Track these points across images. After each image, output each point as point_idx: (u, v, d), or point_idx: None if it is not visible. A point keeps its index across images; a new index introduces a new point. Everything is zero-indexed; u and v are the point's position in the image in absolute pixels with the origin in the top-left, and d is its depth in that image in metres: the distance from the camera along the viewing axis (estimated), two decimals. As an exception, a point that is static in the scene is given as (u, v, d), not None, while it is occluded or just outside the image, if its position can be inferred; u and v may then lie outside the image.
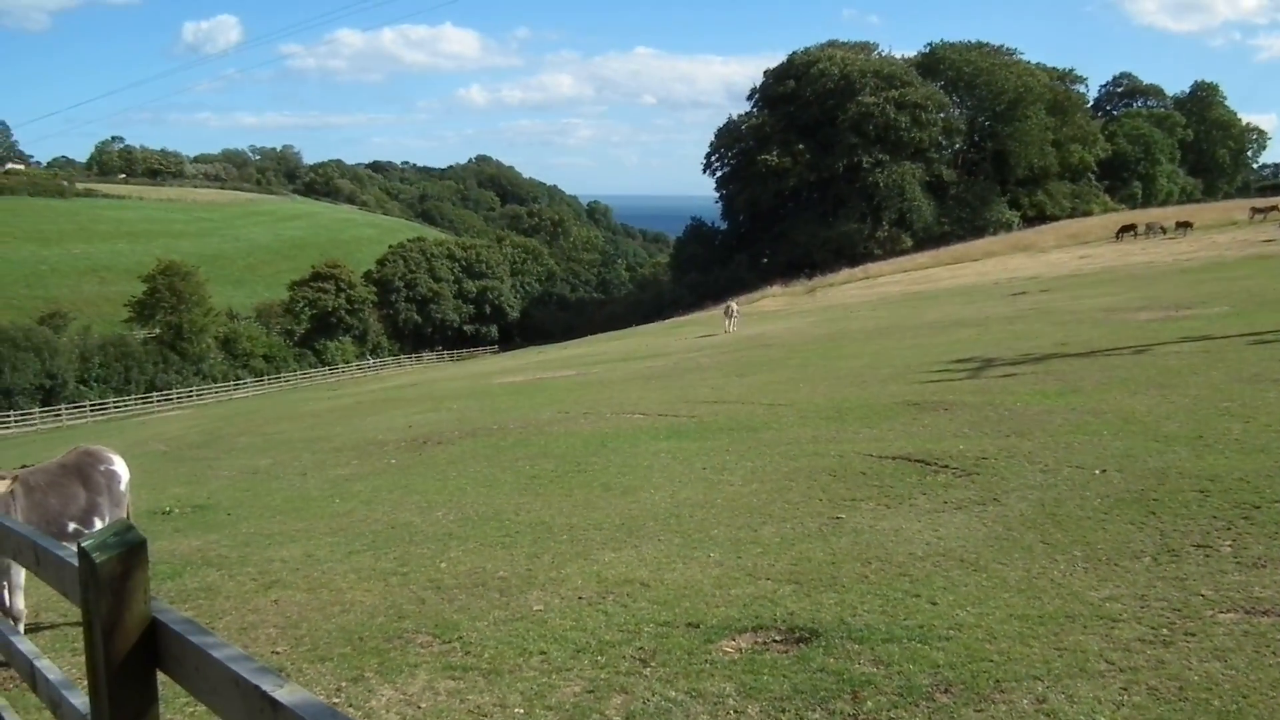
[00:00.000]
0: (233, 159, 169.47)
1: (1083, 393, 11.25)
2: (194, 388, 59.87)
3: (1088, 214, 79.25)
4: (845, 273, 63.42)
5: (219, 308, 69.10)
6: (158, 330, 62.96)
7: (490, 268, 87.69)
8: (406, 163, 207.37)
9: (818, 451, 9.65)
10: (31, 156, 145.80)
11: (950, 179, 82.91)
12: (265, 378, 65.15)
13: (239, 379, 63.82)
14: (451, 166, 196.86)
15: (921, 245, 73.52)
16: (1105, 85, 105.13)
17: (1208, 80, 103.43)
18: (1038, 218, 79.22)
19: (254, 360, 67.02)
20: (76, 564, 2.35)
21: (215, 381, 62.15)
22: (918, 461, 8.64)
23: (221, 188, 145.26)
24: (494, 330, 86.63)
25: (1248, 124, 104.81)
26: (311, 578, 6.95)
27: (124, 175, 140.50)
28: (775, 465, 9.24)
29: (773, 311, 47.35)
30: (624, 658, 4.86)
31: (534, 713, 4.34)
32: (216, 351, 64.95)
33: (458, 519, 8.45)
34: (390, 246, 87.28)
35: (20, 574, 5.73)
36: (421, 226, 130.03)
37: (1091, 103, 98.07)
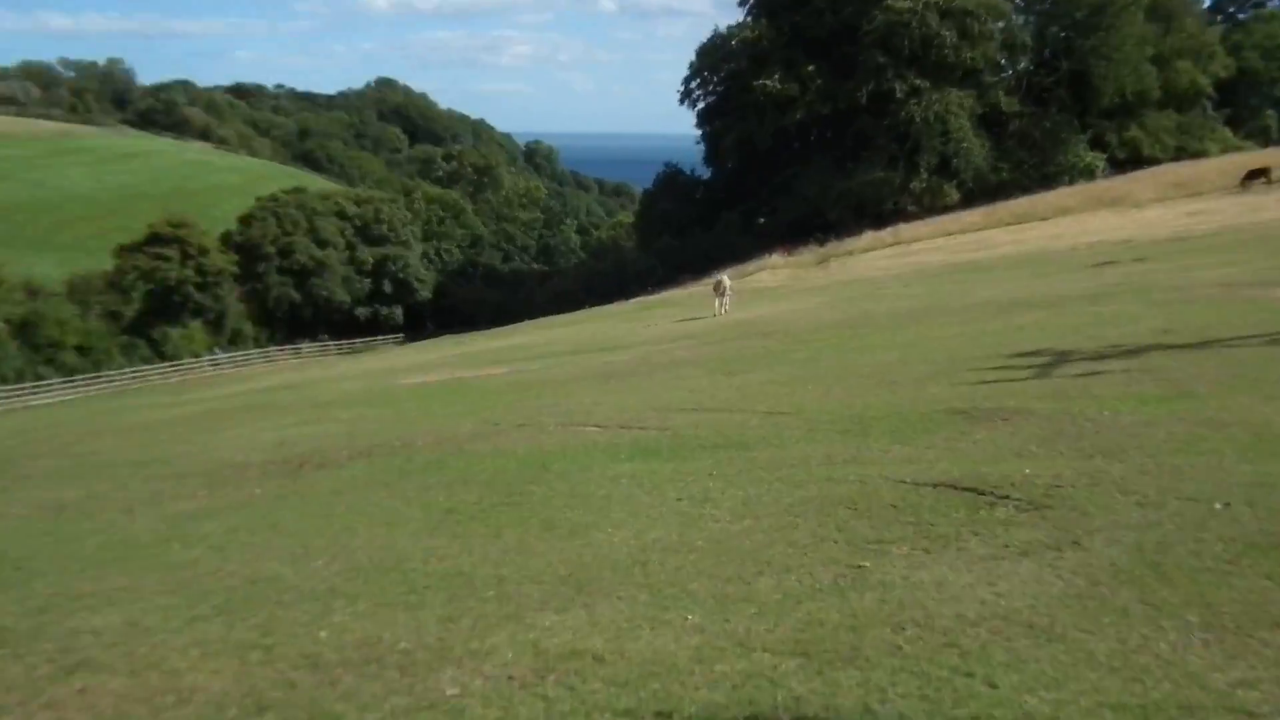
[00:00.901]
0: (35, 75, 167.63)
1: (1195, 398, 11.34)
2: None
3: (1200, 155, 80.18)
4: (869, 236, 64.10)
5: (12, 280, 68.27)
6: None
7: (394, 230, 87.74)
8: (280, 86, 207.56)
9: (832, 476, 9.64)
10: None
11: (1011, 111, 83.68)
12: (78, 377, 64.74)
13: (40, 379, 63.32)
14: (343, 93, 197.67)
15: (971, 199, 74.38)
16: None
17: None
18: (1130, 161, 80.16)
19: (63, 353, 66.52)
20: None
21: (5, 383, 61.45)
22: (967, 490, 8.65)
23: (19, 114, 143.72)
24: (398, 313, 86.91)
25: None
26: (135, 656, 6.82)
27: None
28: (775, 495, 9.22)
29: (773, 288, 47.64)
30: (569, 763, 4.79)
31: (443, 841, 4.25)
32: (8, 341, 64.16)
33: (344, 570, 8.35)
34: (258, 199, 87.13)
35: None
36: (301, 172, 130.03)
37: (1208, 3, 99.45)
